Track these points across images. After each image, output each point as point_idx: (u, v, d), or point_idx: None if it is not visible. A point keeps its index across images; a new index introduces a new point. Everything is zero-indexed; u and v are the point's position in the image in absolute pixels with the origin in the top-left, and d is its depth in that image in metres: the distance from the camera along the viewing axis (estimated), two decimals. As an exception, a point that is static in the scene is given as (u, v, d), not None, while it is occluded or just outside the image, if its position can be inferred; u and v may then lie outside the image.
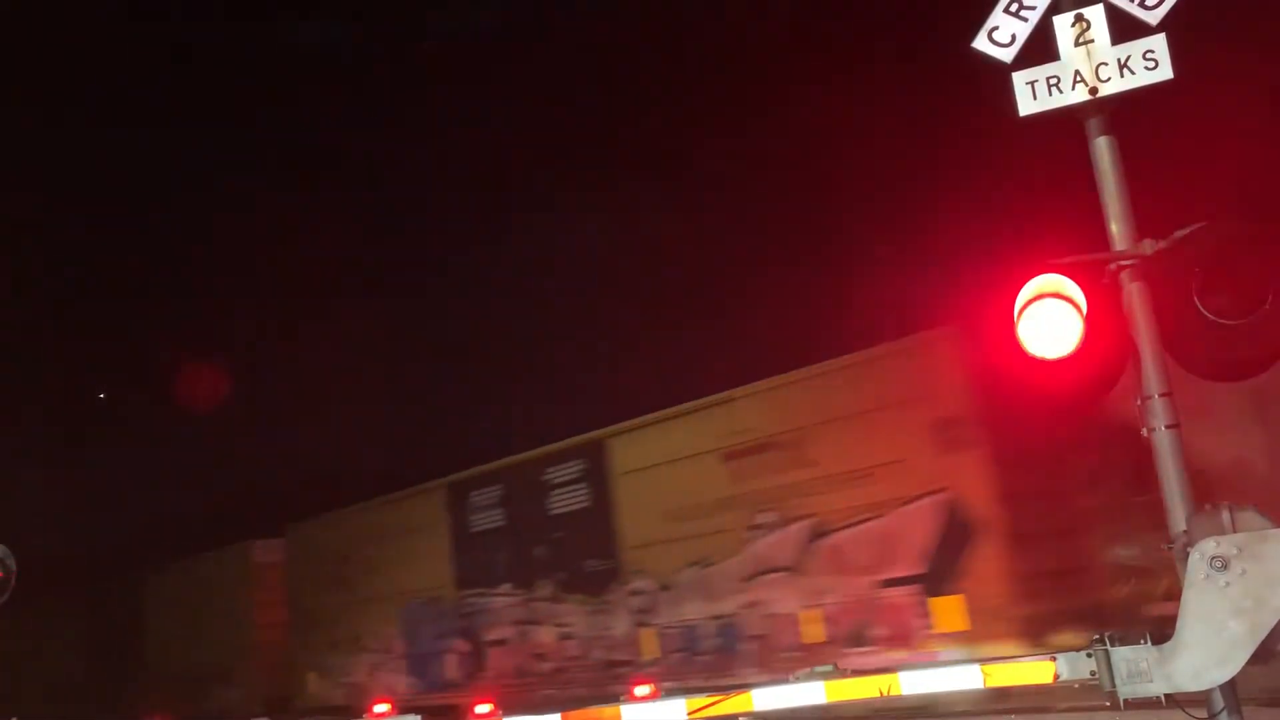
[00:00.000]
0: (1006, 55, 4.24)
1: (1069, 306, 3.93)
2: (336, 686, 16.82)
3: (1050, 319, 3.95)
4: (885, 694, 4.11)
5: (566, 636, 12.70)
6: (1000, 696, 8.12)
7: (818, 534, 10.10)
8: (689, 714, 4.21)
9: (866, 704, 6.18)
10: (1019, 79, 4.22)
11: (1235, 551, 3.63)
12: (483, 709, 4.86)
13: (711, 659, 10.80)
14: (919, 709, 9.08)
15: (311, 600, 17.53)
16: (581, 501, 12.78)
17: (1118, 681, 3.77)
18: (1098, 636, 3.84)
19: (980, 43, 4.26)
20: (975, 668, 4.04)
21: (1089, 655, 3.83)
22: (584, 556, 12.63)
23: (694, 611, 11.29)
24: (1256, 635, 3.59)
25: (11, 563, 9.38)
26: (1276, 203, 4.34)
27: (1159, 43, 4.09)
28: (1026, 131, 4.21)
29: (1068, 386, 4.16)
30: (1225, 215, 4.07)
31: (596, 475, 12.45)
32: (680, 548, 11.51)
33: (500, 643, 13.64)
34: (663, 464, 11.66)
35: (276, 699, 17.97)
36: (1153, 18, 4.10)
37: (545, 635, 13.05)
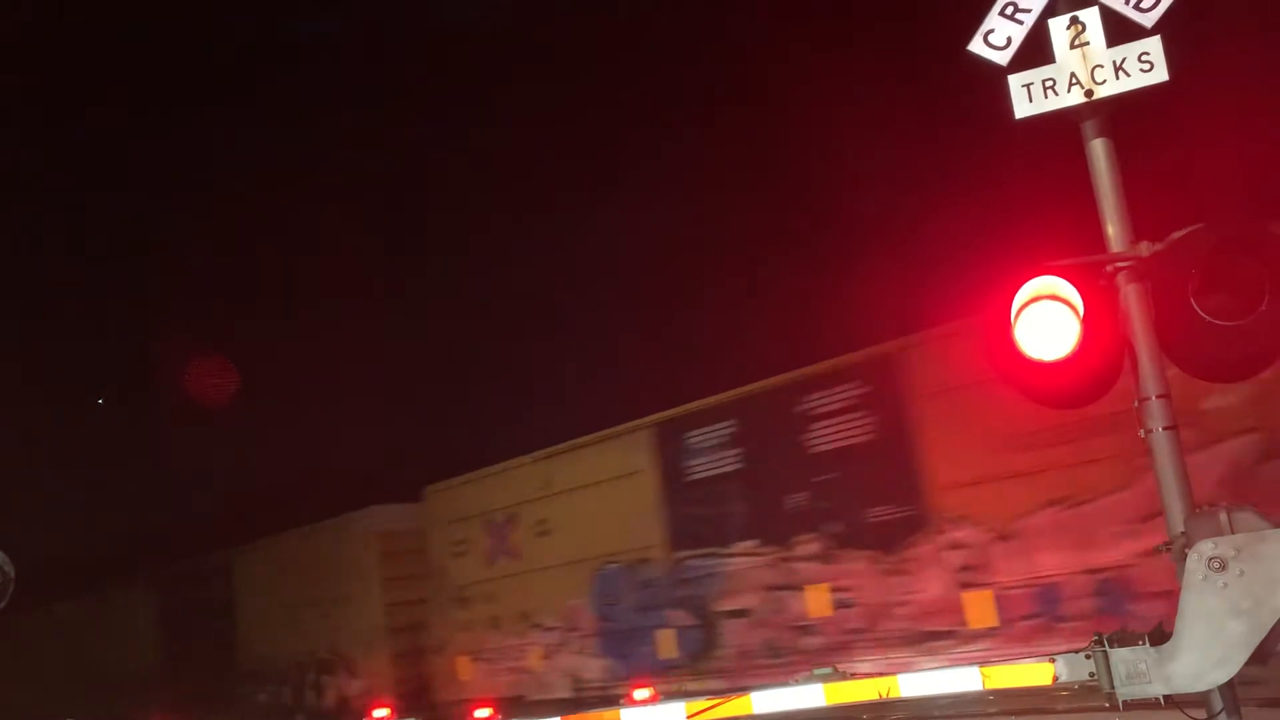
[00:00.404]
0: (1002, 58, 6.08)
1: (1065, 308, 5.65)
2: (498, 673, 19.30)
3: (1047, 321, 5.65)
4: (884, 696, 5.94)
5: (846, 604, 13.93)
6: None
7: (1270, 452, 10.49)
8: (688, 717, 6.10)
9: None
10: (1015, 82, 6.04)
11: (1233, 552, 5.10)
12: (482, 713, 7.11)
13: (1085, 624, 11.22)
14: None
15: (460, 573, 20.23)
16: (861, 434, 13.94)
17: (1117, 683, 5.29)
18: (1096, 638, 5.36)
19: (976, 45, 6.12)
20: (974, 669, 5.71)
21: (1087, 657, 5.38)
22: (868, 503, 13.81)
23: (1054, 565, 11.90)
24: (1255, 636, 5.04)
25: (10, 568, 12.08)
26: (1273, 204, 5.78)
27: (1154, 45, 5.79)
28: (1023, 134, 5.98)
29: (1065, 389, 5.92)
30: (1222, 217, 5.69)
31: (886, 399, 13.53)
32: (1029, 484, 12.15)
33: (741, 614, 15.29)
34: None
35: (411, 690, 21.01)
36: (1148, 20, 5.82)
37: (812, 603, 14.35)
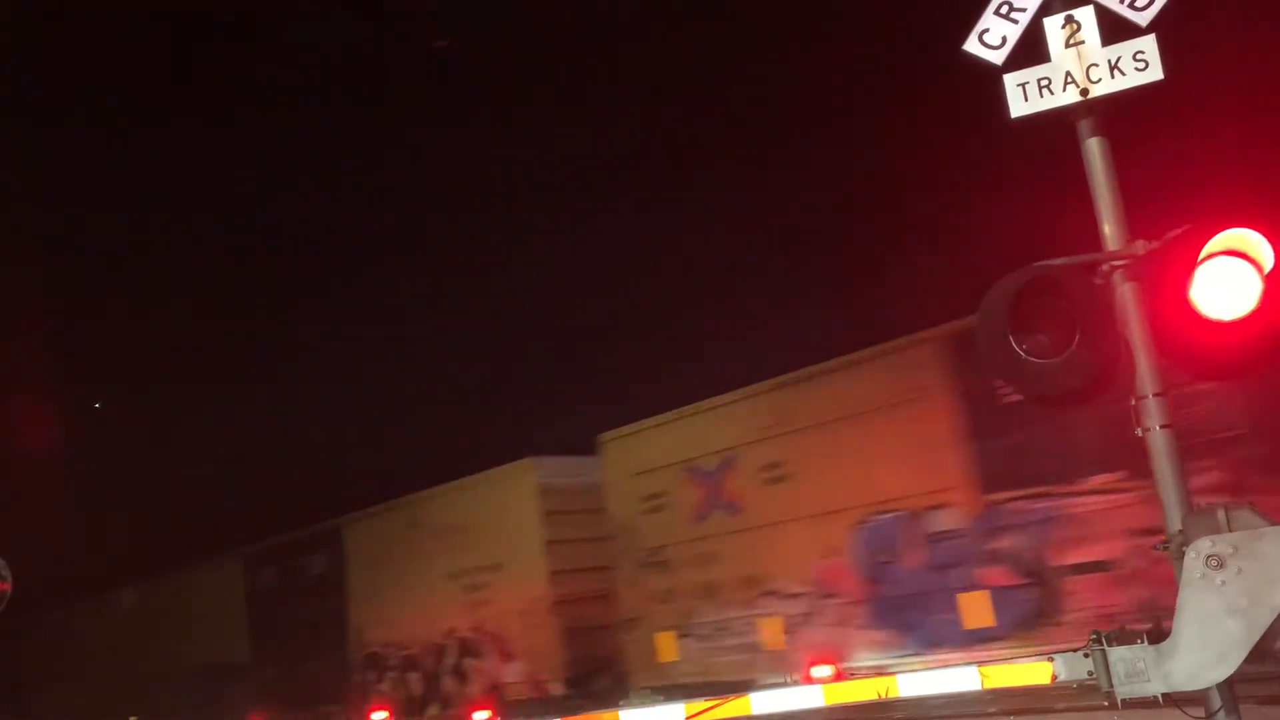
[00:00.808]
0: (997, 57, 8.79)
1: (1064, 307, 8.14)
2: (716, 652, 21.54)
3: (1045, 320, 8.12)
4: (883, 696, 8.48)
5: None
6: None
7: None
8: (687, 718, 8.54)
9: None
10: (1010, 81, 8.70)
11: (1231, 550, 7.14)
12: (480, 715, 10.20)
13: None
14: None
15: (656, 533, 22.91)
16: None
17: (1115, 682, 7.36)
18: (1095, 637, 7.49)
19: (971, 45, 8.86)
20: (973, 669, 7.97)
21: (1086, 655, 7.51)
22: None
23: None
24: (1253, 634, 7.02)
25: (7, 573, 15.62)
26: (1267, 202, 7.68)
27: (1149, 43, 8.30)
28: (1019, 133, 8.59)
29: (1063, 388, 8.37)
30: (1216, 215, 7.99)
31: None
32: None
33: (1098, 567, 16.81)
34: None
35: (583, 673, 24.18)
36: (1142, 19, 8.33)
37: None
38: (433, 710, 27.43)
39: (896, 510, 19.27)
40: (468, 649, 26.91)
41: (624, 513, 23.85)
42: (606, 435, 24.54)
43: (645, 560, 23.32)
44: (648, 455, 23.51)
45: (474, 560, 26.68)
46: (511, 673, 25.42)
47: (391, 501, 29.66)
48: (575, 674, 24.33)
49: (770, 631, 20.87)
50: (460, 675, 26.98)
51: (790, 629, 20.70)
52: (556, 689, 24.13)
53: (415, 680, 28.16)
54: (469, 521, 27.02)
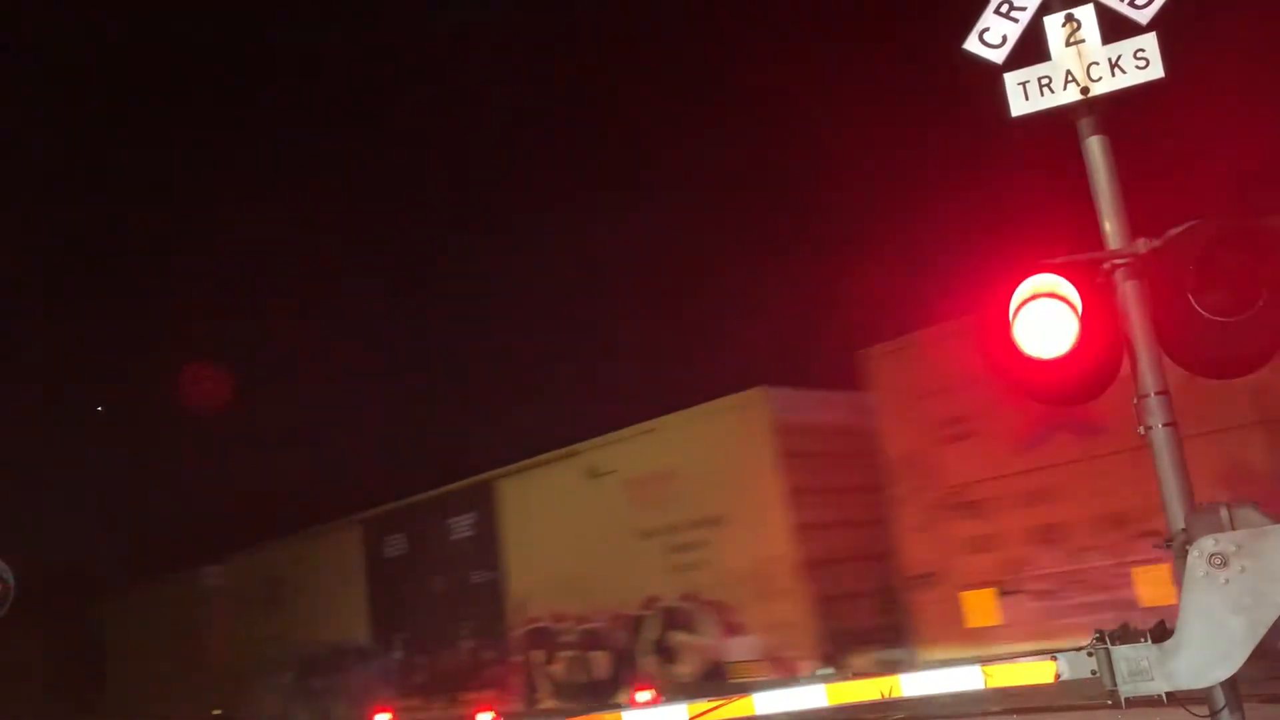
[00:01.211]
0: (998, 56, 9.15)
1: (1064, 306, 8.10)
2: (1063, 611, 18.18)
3: (1045, 319, 8.05)
4: (886, 696, 8.75)
5: None
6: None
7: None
8: (690, 718, 8.51)
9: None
10: (1010, 80, 9.03)
11: (1234, 549, 7.26)
12: (483, 717, 10.18)
13: None
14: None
15: (961, 468, 19.71)
16: None
17: (1119, 680, 7.50)
18: (1098, 635, 7.67)
19: (971, 44, 9.26)
20: (976, 668, 8.05)
21: (1089, 654, 7.65)
22: None
23: None
24: (1257, 632, 7.15)
25: (9, 575, 15.99)
26: (1269, 199, 7.66)
27: (1149, 42, 8.44)
28: (1019, 132, 8.63)
29: (1063, 386, 8.71)
30: (1218, 212, 8.34)
31: None
32: None
33: None
34: None
35: (835, 649, 20.72)
36: (1143, 17, 8.62)
37: None
38: (620, 696, 23.03)
39: None
40: (675, 621, 23.74)
41: (909, 444, 20.68)
42: (878, 348, 21.35)
43: (945, 502, 20.17)
44: (942, 369, 19.83)
45: (681, 514, 23.48)
46: (741, 649, 22.34)
47: (558, 450, 26.60)
48: (832, 649, 21.08)
49: (1152, 583, 17.23)
50: (666, 653, 23.87)
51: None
52: (808, 667, 20.98)
53: (601, 660, 25.12)
54: (673, 468, 23.74)
